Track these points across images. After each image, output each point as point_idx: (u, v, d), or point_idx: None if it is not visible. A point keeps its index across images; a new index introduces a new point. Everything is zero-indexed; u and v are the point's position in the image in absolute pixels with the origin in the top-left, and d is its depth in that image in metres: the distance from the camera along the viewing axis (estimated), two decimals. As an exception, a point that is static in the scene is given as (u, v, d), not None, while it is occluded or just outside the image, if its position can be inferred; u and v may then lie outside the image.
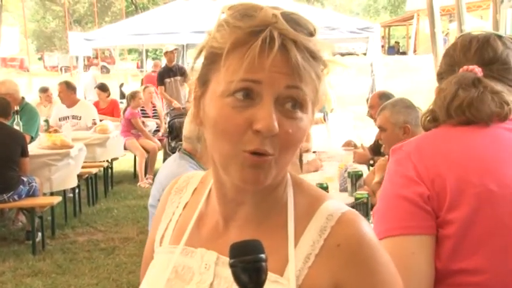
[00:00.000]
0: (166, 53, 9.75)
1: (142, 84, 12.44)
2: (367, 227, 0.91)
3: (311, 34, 0.88)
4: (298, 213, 0.93)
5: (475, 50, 1.44)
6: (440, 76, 1.50)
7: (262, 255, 0.77)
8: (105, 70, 23.62)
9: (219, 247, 0.94)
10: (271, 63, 0.83)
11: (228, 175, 0.89)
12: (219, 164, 0.90)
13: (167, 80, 9.52)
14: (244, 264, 0.76)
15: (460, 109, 1.36)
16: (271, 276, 0.87)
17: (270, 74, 0.83)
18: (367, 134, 4.72)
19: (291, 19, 0.86)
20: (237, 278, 0.77)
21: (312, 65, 0.86)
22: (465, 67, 1.41)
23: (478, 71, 1.40)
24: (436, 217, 1.28)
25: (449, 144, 1.35)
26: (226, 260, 0.79)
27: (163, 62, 10.86)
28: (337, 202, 0.95)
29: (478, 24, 18.66)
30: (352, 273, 0.87)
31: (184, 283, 0.94)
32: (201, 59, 0.92)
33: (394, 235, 1.26)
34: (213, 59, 0.89)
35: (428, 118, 1.44)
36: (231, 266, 0.77)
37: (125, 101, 9.56)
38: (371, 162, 4.75)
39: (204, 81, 0.91)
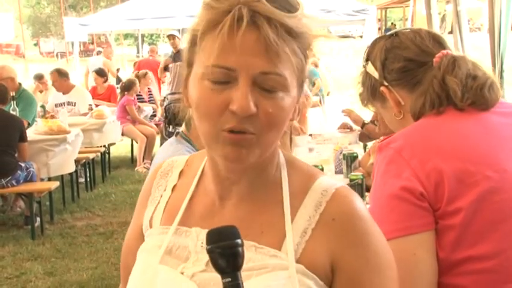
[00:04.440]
0: (169, 38, 9.49)
1: (135, 68, 12.32)
2: (360, 202, 0.95)
3: (291, 10, 0.85)
4: (293, 190, 0.96)
5: (433, 38, 1.45)
6: (412, 71, 1.44)
7: (238, 241, 0.79)
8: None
9: (215, 225, 0.94)
10: (241, 45, 0.82)
11: (214, 153, 0.92)
12: (205, 144, 0.92)
13: (171, 66, 9.33)
14: (221, 250, 0.78)
15: (480, 88, 1.34)
16: (269, 251, 0.90)
17: (242, 57, 0.83)
18: (363, 116, 4.74)
19: None
20: (215, 263, 0.79)
21: (288, 42, 0.84)
22: (444, 51, 1.40)
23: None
24: (435, 210, 1.26)
25: (440, 135, 1.32)
26: None
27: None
28: (330, 178, 0.99)
29: (475, 4, 18.58)
30: (346, 245, 0.91)
31: (180, 261, 0.95)
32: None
33: (392, 238, 1.19)
34: (193, 42, 0.90)
35: (434, 103, 1.36)
36: (209, 252, 0.79)
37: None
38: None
39: (188, 64, 0.93)
